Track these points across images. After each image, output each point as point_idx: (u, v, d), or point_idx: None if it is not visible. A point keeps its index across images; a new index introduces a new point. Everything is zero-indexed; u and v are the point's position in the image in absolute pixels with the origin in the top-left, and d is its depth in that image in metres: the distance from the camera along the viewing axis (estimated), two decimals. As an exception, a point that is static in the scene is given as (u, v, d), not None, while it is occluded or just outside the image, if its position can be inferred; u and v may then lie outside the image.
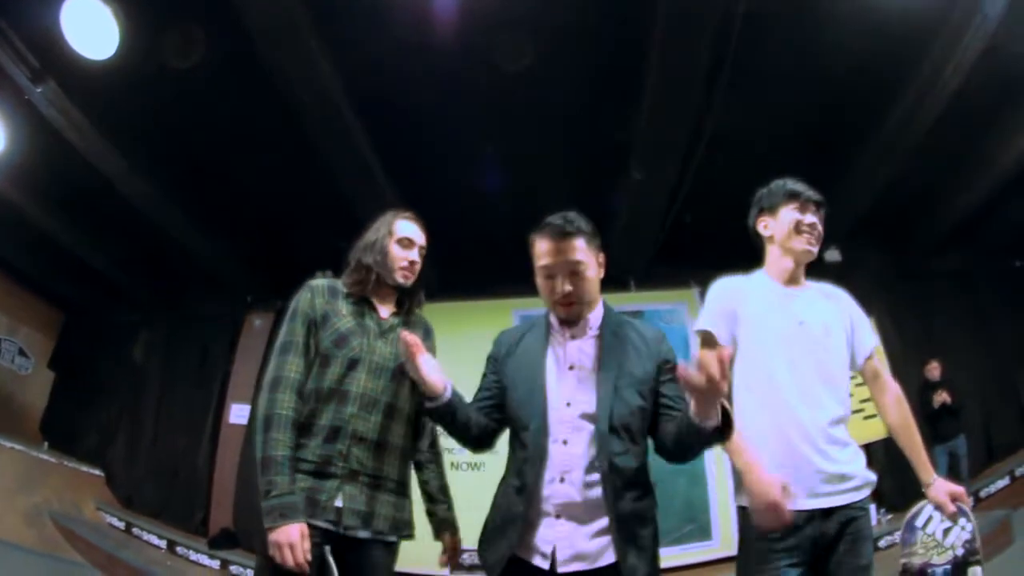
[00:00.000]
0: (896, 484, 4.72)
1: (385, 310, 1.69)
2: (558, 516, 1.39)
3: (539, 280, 1.49)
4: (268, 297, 6.41)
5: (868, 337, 1.67)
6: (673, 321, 5.80)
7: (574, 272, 1.44)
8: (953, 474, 4.98)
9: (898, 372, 5.72)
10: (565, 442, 1.42)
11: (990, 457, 5.79)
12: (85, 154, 4.22)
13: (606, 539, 1.37)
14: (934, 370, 5.32)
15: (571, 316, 1.47)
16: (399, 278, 1.65)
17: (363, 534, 1.53)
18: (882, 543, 4.36)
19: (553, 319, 1.54)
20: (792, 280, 1.68)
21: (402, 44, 3.64)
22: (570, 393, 1.45)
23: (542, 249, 1.44)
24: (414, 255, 1.68)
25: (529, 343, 1.55)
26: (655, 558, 1.41)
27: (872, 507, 1.66)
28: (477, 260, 4.20)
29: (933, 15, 3.63)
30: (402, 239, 1.67)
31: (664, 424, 1.43)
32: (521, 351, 1.54)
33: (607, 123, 4.23)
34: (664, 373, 1.46)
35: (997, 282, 6.58)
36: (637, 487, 1.42)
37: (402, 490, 1.66)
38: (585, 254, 1.46)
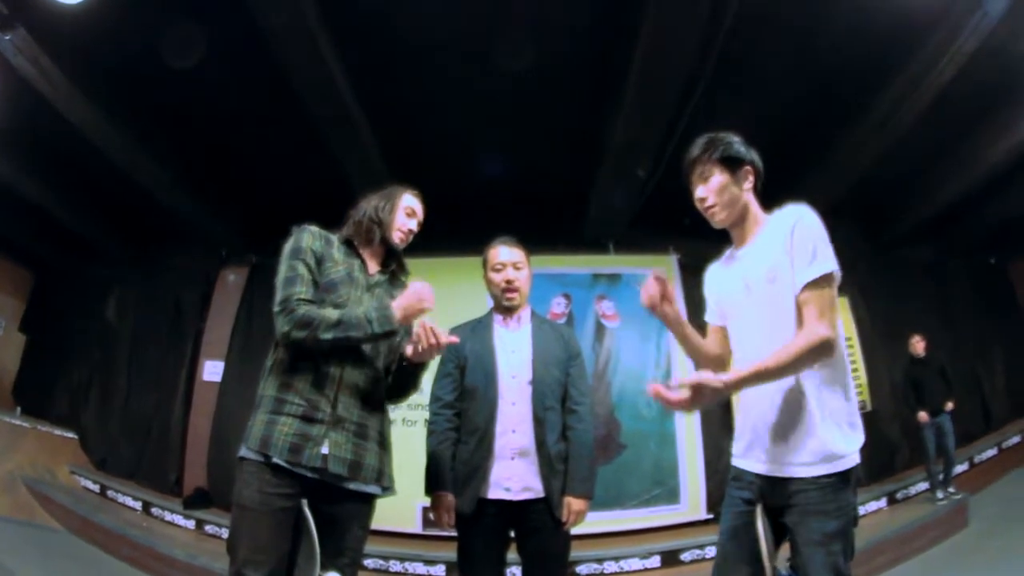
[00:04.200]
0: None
1: (372, 265, 1.80)
2: (512, 458, 1.95)
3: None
4: (242, 251, 6.28)
5: (803, 269, 1.38)
6: (650, 286, 5.82)
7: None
8: (939, 450, 5.13)
9: (867, 351, 5.93)
10: (514, 403, 1.98)
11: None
12: (56, 104, 4.04)
13: (541, 470, 1.93)
14: (918, 344, 5.33)
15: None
16: (396, 239, 1.80)
17: (348, 484, 1.56)
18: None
19: (497, 315, 2.13)
20: (739, 241, 1.58)
21: None
22: (514, 368, 2.02)
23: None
24: (413, 224, 1.85)
25: (480, 334, 2.09)
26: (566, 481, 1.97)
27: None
28: (459, 219, 4.21)
29: (933, 9, 3.60)
30: (407, 208, 1.83)
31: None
32: (475, 339, 2.07)
33: (593, 84, 4.21)
34: (573, 359, 2.09)
35: (967, 276, 6.79)
36: (559, 434, 2.00)
37: (384, 442, 1.69)
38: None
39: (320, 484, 1.52)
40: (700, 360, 1.67)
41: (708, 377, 1.28)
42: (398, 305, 1.58)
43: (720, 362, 1.66)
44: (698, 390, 1.28)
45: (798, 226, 1.40)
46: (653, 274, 1.57)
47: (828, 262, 1.37)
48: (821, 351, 1.33)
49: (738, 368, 1.40)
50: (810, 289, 1.37)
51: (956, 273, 6.78)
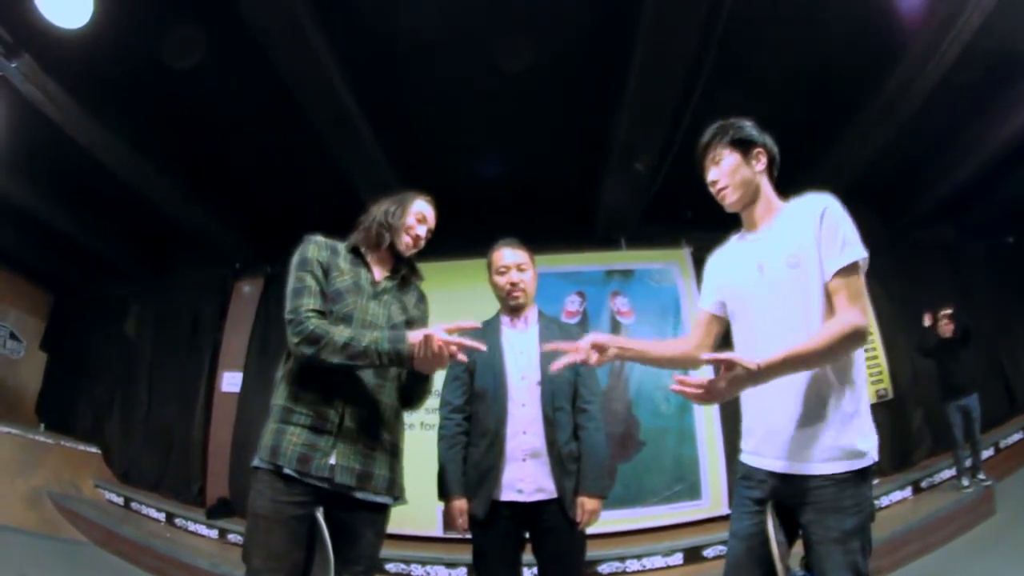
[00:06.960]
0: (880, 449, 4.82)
1: (379, 272, 1.76)
2: (524, 460, 1.95)
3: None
4: (256, 263, 6.35)
5: (834, 256, 1.34)
6: (664, 281, 5.74)
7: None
8: (966, 433, 4.98)
9: (887, 337, 5.83)
10: (523, 404, 1.98)
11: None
12: (65, 127, 4.12)
13: (553, 471, 1.93)
14: (946, 326, 5.14)
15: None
16: (403, 245, 1.76)
17: (357, 494, 1.55)
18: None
19: (504, 317, 2.14)
20: (751, 225, 1.54)
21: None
22: (523, 369, 2.02)
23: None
24: (423, 231, 1.81)
25: (488, 336, 2.04)
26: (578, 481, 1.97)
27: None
28: (467, 221, 4.25)
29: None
30: (418, 213, 1.80)
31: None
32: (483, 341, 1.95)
33: (596, 81, 4.19)
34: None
35: (985, 257, 6.65)
36: (570, 434, 1.99)
37: (395, 451, 1.67)
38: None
39: (332, 493, 1.51)
40: (665, 363, 1.64)
41: (739, 358, 1.21)
42: (416, 352, 1.49)
43: (691, 360, 1.62)
44: (725, 378, 1.21)
45: (828, 213, 1.37)
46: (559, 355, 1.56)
47: (858, 249, 1.35)
48: (855, 339, 1.29)
49: (768, 353, 1.25)
50: (840, 277, 1.33)
51: (974, 254, 6.65)
